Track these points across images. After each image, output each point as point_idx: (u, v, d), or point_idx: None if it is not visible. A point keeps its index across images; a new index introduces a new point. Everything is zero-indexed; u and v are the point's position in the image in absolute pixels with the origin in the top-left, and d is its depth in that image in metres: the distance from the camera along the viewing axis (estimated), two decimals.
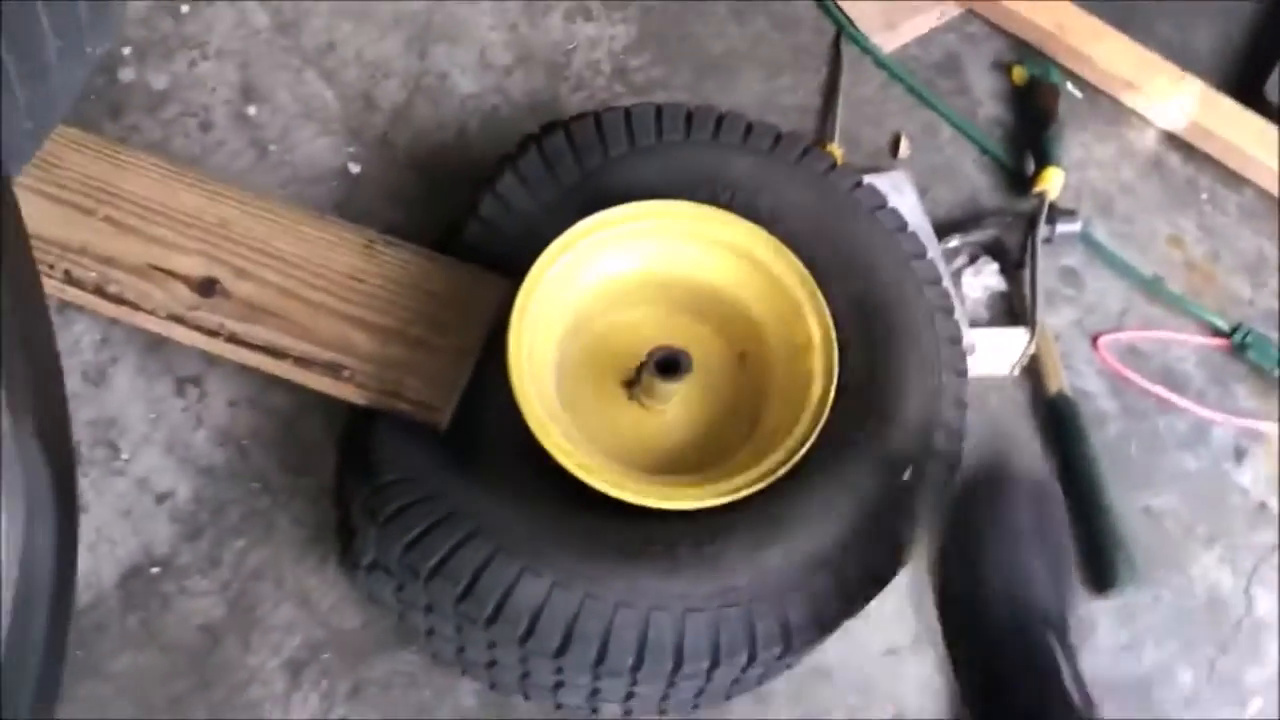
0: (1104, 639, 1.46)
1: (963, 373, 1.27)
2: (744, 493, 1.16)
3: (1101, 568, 1.46)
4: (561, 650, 1.12)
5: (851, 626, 1.40)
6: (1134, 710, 1.42)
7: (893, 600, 1.43)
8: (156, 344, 1.45)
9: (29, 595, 0.59)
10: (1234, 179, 1.75)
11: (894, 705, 1.39)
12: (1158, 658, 1.46)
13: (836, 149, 1.66)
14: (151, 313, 1.35)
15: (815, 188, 1.32)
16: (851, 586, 1.16)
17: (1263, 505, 1.56)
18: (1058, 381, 1.56)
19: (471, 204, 1.39)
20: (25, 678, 0.60)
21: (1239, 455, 1.58)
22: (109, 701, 1.29)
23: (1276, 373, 1.61)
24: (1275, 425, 1.60)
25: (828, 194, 1.32)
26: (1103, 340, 1.62)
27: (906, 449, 1.19)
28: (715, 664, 1.12)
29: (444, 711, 1.32)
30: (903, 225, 1.34)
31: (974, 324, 1.56)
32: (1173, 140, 1.76)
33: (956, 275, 1.60)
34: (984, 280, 1.61)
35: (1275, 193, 1.73)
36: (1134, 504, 1.53)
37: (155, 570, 1.35)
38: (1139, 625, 1.47)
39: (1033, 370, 1.58)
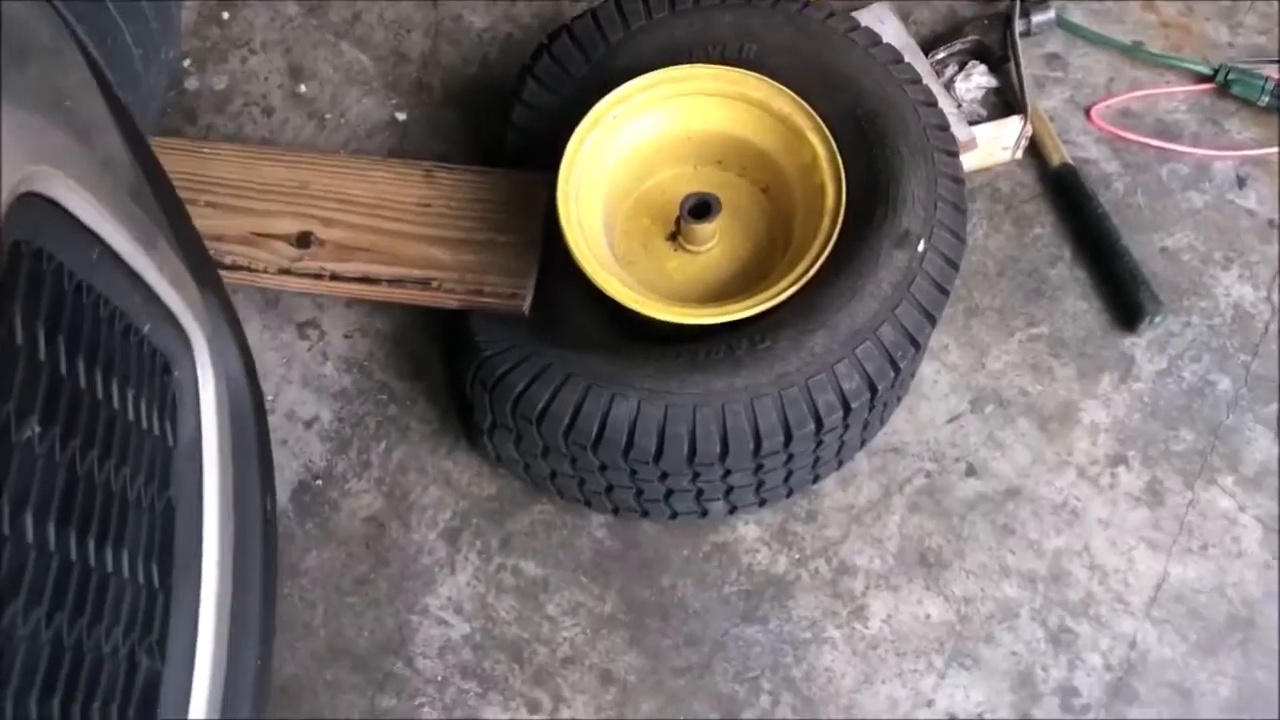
0: (1143, 368, 1.61)
1: (953, 153, 1.44)
2: (782, 296, 1.35)
3: (1127, 307, 1.62)
4: (659, 454, 1.33)
5: (914, 405, 1.60)
6: (1179, 422, 1.58)
7: (946, 376, 1.61)
8: (273, 300, 1.69)
9: (237, 406, 0.82)
10: None
11: (965, 462, 1.58)
12: (1195, 374, 1.61)
13: None
14: (263, 271, 1.59)
15: (792, 25, 1.49)
16: (893, 350, 1.34)
17: (1271, 221, 1.69)
18: (1059, 155, 1.71)
19: (504, 117, 1.60)
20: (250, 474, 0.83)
21: (1241, 182, 1.72)
22: (308, 591, 1.54)
23: (1263, 100, 1.72)
24: (1273, 150, 1.72)
25: (804, 29, 1.49)
26: (1095, 109, 1.76)
27: (915, 225, 1.37)
28: (789, 438, 1.32)
29: (582, 543, 1.55)
30: (877, 40, 1.50)
31: (973, 122, 1.71)
32: None
33: (950, 83, 1.75)
34: (975, 82, 1.76)
35: None
36: (1151, 247, 1.68)
37: (318, 482, 1.60)
38: (1173, 350, 1.62)
39: (1035, 151, 1.73)
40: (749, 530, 1.54)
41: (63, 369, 0.58)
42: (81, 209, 0.61)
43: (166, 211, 0.81)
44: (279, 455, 1.61)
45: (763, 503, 1.51)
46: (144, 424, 0.68)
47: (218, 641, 0.74)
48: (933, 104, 1.47)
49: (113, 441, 0.63)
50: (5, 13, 0.57)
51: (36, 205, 0.56)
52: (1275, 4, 1.81)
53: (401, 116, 1.81)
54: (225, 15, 1.87)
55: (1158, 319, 1.61)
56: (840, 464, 1.53)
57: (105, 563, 0.62)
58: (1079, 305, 1.65)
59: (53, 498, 0.56)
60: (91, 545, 0.60)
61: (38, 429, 0.55)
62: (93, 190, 0.61)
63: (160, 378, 0.73)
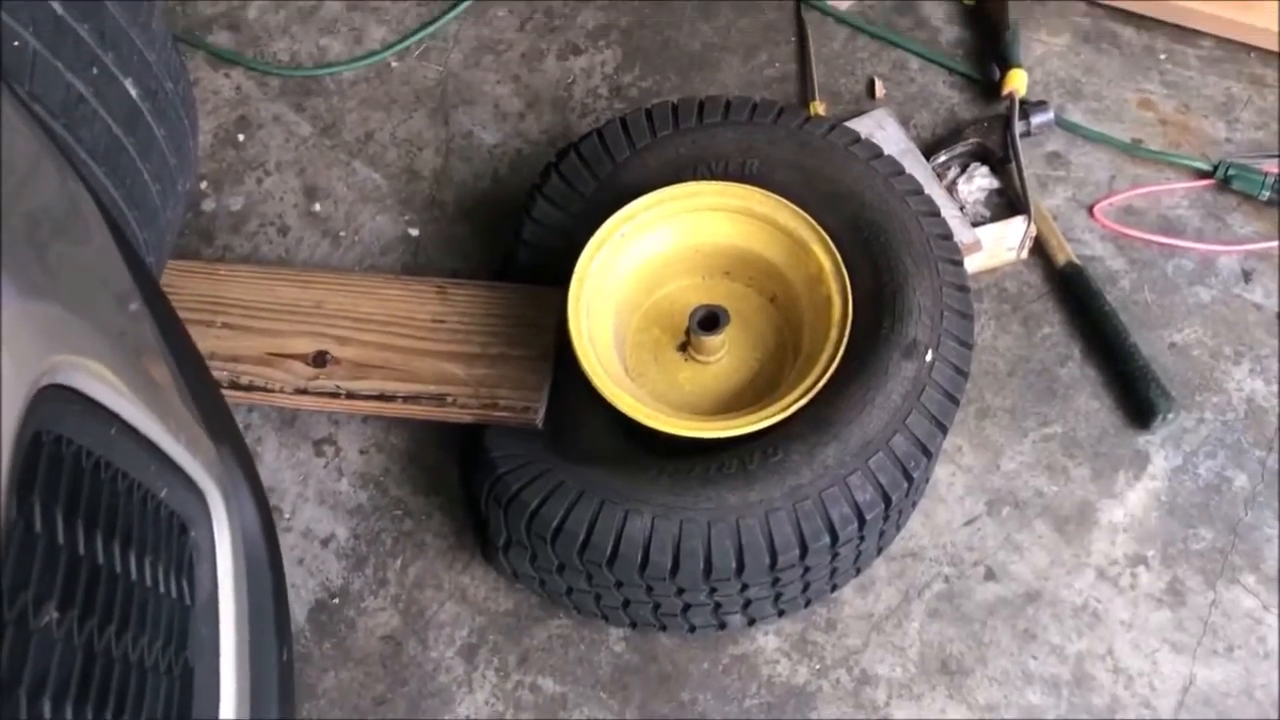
0: (1159, 466, 1.61)
1: (958, 262, 1.45)
2: (792, 409, 1.36)
3: (1140, 404, 1.62)
4: (674, 571, 1.33)
5: (930, 509, 1.60)
6: (1197, 521, 1.57)
7: (961, 478, 1.61)
8: (289, 418, 1.71)
9: (253, 561, 0.83)
10: (1187, 34, 1.90)
11: (984, 566, 1.57)
12: (1211, 470, 1.60)
13: (819, 105, 1.86)
14: (279, 391, 1.61)
15: (794, 140, 1.52)
16: (905, 460, 1.34)
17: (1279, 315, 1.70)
18: (1064, 253, 1.73)
19: (515, 233, 1.63)
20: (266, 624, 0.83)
21: (1247, 276, 1.73)
22: (326, 712, 1.54)
23: (1264, 194, 1.74)
24: (1276, 243, 1.74)
25: (805, 144, 1.52)
26: (1098, 207, 1.78)
27: (922, 335, 1.38)
28: (804, 551, 1.32)
29: (600, 658, 1.54)
30: (878, 153, 1.53)
31: (977, 223, 1.73)
32: (1121, 15, 1.92)
33: (952, 186, 1.78)
34: (977, 184, 1.78)
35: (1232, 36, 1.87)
36: (1160, 343, 1.68)
37: (335, 601, 1.60)
38: (1188, 447, 1.62)
39: (1040, 250, 1.75)
40: (768, 641, 1.53)
41: (81, 549, 0.60)
42: (100, 392, 0.62)
43: (183, 368, 0.83)
44: (296, 574, 1.62)
45: (781, 613, 1.50)
46: (161, 588, 0.69)
47: None
48: (935, 214, 1.49)
49: (130, 612, 0.64)
50: (34, 199, 0.59)
51: (55, 394, 0.58)
52: (1271, 100, 1.84)
53: (414, 233, 1.84)
54: (241, 137, 1.92)
55: (1170, 416, 1.61)
56: (858, 571, 1.53)
57: None
58: (1091, 404, 1.65)
59: (71, 678, 0.57)
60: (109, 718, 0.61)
61: (56, 614, 0.56)
62: (111, 370, 0.63)
63: (177, 539, 0.74)
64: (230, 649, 0.77)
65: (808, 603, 1.51)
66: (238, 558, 0.80)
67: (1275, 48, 1.86)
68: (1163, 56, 1.89)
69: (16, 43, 1.10)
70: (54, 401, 0.57)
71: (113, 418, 0.65)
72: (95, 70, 1.21)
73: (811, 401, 1.36)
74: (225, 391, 1.61)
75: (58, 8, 1.15)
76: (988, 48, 1.89)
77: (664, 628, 1.51)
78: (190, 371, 0.83)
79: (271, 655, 0.84)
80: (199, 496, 0.78)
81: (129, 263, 0.80)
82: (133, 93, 1.27)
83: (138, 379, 0.68)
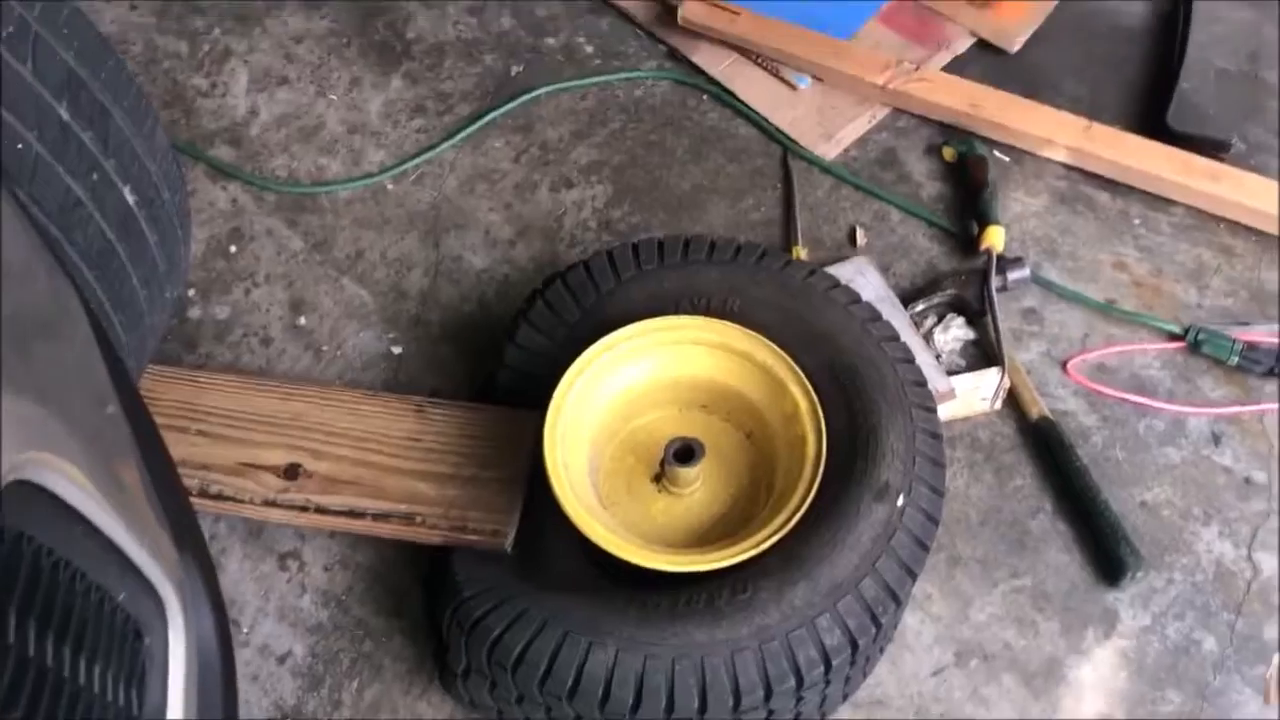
0: (1127, 625, 1.60)
1: (931, 409, 1.47)
2: (763, 546, 1.35)
3: (1109, 561, 1.62)
4: (635, 707, 1.30)
5: (898, 655, 1.58)
6: (1165, 683, 1.56)
7: (930, 627, 1.60)
8: (256, 530, 1.69)
9: (206, 673, 0.81)
10: (1160, 202, 1.96)
11: (950, 718, 1.54)
12: (1179, 632, 1.60)
13: (801, 249, 1.90)
14: (248, 503, 1.59)
15: (774, 282, 1.56)
16: (874, 605, 1.33)
17: (1248, 479, 1.72)
18: (1036, 407, 1.75)
19: (498, 356, 1.64)
20: None
21: (1217, 439, 1.75)
22: None
23: (1233, 359, 1.78)
24: (1245, 408, 1.77)
25: (786, 285, 1.55)
26: (1071, 363, 1.81)
27: (894, 479, 1.38)
28: (769, 693, 1.30)
29: None
30: (856, 299, 1.56)
31: (952, 372, 1.76)
32: (1097, 180, 1.99)
33: (929, 335, 1.81)
34: (954, 334, 1.82)
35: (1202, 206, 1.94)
36: (1131, 501, 1.69)
37: None
38: (1156, 607, 1.62)
39: (1013, 402, 1.77)
40: None
41: (30, 649, 0.59)
42: (68, 492, 0.62)
43: (154, 473, 0.83)
44: (249, 690, 1.58)
45: None
46: (109, 695, 0.68)
47: None
48: (910, 360, 1.51)
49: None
50: (20, 298, 0.60)
51: (23, 490, 0.58)
52: (1240, 270, 1.89)
53: (397, 350, 1.85)
54: (233, 249, 1.95)
55: (1140, 574, 1.61)
56: (823, 717, 1.50)
57: None
58: (1061, 558, 1.65)
59: None
60: None
61: None
62: (81, 471, 0.63)
63: (130, 645, 0.72)
64: None
65: None
66: (190, 669, 0.79)
67: (1243, 219, 1.92)
68: (1137, 222, 1.95)
69: (20, 145, 1.13)
70: (20, 498, 0.57)
71: (78, 518, 0.65)
72: (95, 176, 1.24)
73: (783, 539, 1.36)
74: (194, 499, 1.60)
75: (64, 114, 1.19)
76: (967, 204, 1.95)
77: None
78: (161, 476, 0.83)
79: None
80: (157, 602, 0.77)
81: (109, 365, 0.81)
82: (130, 200, 1.30)
83: (107, 481, 0.68)
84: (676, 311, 1.54)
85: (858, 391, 1.45)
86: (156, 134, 1.39)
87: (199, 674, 0.80)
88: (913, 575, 1.37)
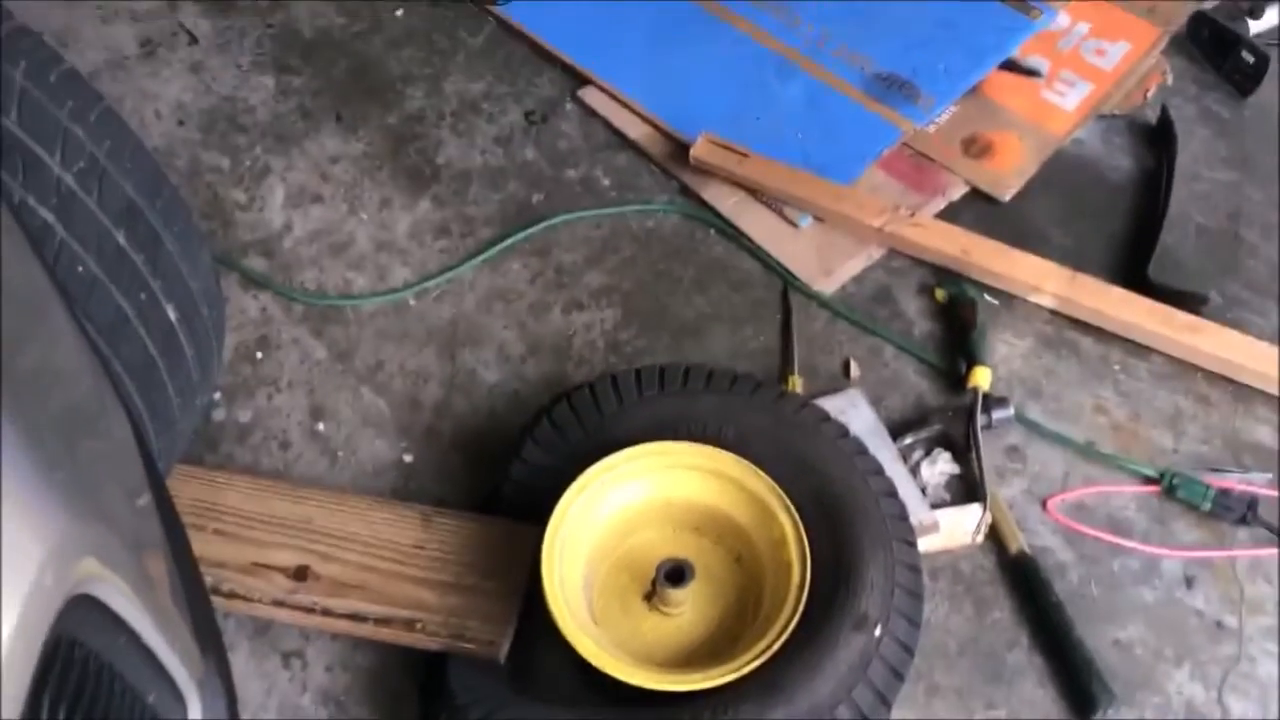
0: None
1: (911, 543, 1.55)
2: (745, 669, 1.42)
3: (1082, 696, 1.67)
4: None
5: None
6: None
7: None
8: (263, 628, 1.76)
9: None
10: (1140, 350, 2.06)
11: None
12: None
13: (797, 379, 2.00)
14: (258, 601, 1.67)
15: (768, 412, 1.65)
16: None
17: (1219, 623, 1.78)
18: (1016, 542, 1.82)
19: (504, 470, 1.73)
20: None
21: (1189, 582, 1.82)
22: None
23: (1205, 505, 1.86)
24: (1217, 553, 1.84)
25: (779, 416, 1.65)
26: (1051, 502, 1.89)
27: (873, 609, 1.46)
28: None
29: None
30: (845, 432, 1.66)
31: (936, 506, 1.84)
32: (1081, 326, 2.09)
33: (916, 467, 1.89)
34: (939, 468, 1.90)
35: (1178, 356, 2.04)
36: (1103, 638, 1.75)
37: None
38: None
39: (995, 537, 1.85)
40: None
41: None
42: (117, 602, 0.71)
43: (184, 577, 0.91)
44: None
45: None
46: None
47: None
48: (894, 494, 1.60)
49: None
50: (73, 401, 0.69)
51: (81, 603, 0.66)
52: (1215, 419, 1.98)
53: (409, 459, 1.94)
54: (259, 355, 2.06)
55: (1111, 711, 1.66)
56: None
57: None
58: (1036, 692, 1.71)
59: None
60: None
61: None
62: (130, 584, 0.71)
63: None
64: None
65: None
66: None
67: (1220, 370, 2.01)
68: (1117, 367, 2.05)
69: (80, 268, 1.24)
70: (81, 610, 0.65)
71: (122, 625, 0.73)
72: (143, 295, 1.35)
73: (765, 663, 1.43)
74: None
75: (121, 240, 1.30)
76: (956, 343, 2.05)
77: None
78: (186, 574, 0.91)
79: None
80: (180, 702, 0.85)
81: (145, 464, 0.90)
82: (172, 317, 1.41)
83: (143, 582, 0.77)
84: (675, 436, 1.64)
85: (842, 522, 1.53)
86: (201, 255, 1.51)
87: None
88: (887, 704, 1.43)
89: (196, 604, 0.97)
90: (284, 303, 2.13)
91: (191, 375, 1.49)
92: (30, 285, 0.77)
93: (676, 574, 1.55)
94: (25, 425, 0.63)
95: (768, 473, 1.57)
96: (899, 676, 1.44)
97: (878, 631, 1.45)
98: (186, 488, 1.79)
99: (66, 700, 0.65)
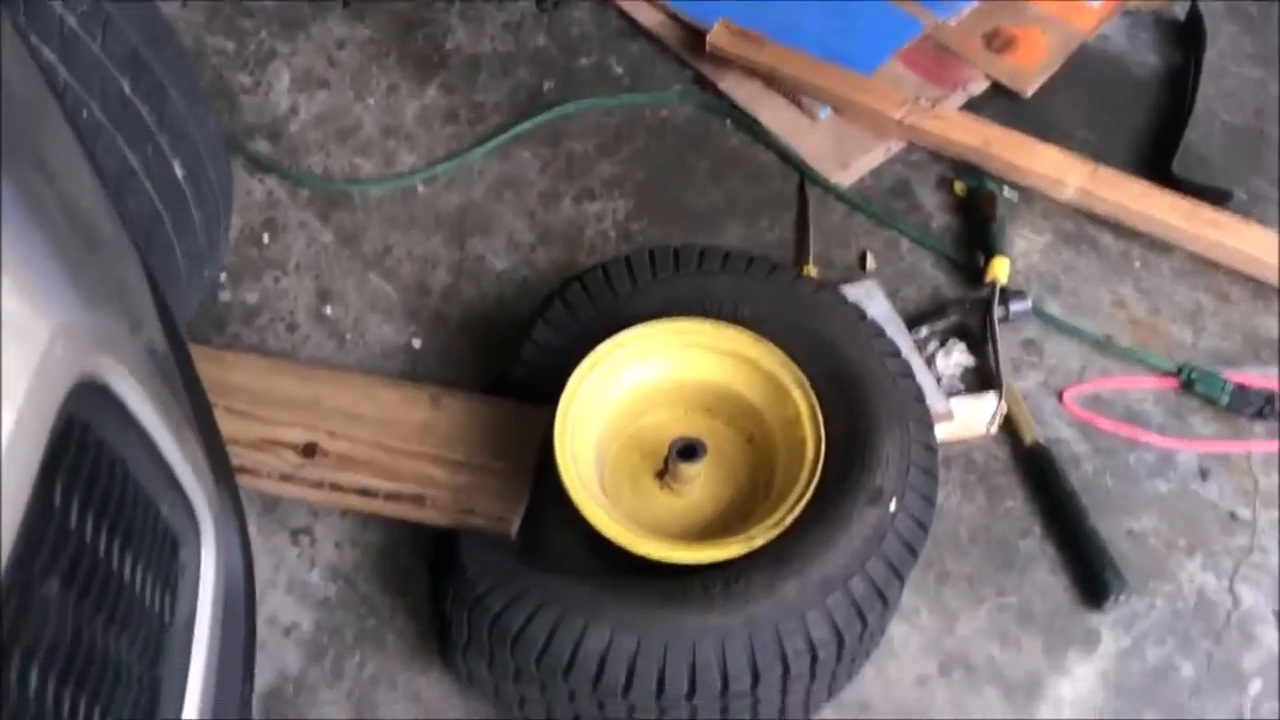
0: (1109, 647, 1.65)
1: (928, 423, 1.53)
2: (759, 542, 1.41)
3: (1094, 584, 1.67)
4: (627, 687, 1.35)
5: (883, 663, 1.63)
6: (1142, 704, 1.60)
7: (917, 638, 1.65)
8: (271, 505, 1.75)
9: (231, 598, 0.87)
10: (1161, 246, 2.03)
11: None
12: (1159, 656, 1.64)
13: (813, 269, 1.97)
14: (266, 476, 1.66)
15: (786, 294, 1.62)
16: (862, 603, 1.39)
17: (1233, 514, 1.77)
18: (1031, 433, 1.81)
19: (514, 352, 1.71)
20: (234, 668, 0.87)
21: (1204, 475, 1.80)
22: None
23: (1223, 399, 1.84)
24: (1233, 447, 1.82)
25: (796, 297, 1.62)
26: (1067, 394, 1.87)
27: (888, 485, 1.44)
28: (756, 680, 1.35)
29: None
30: (862, 315, 1.63)
31: (952, 395, 1.82)
32: (1101, 222, 2.05)
33: (931, 358, 1.87)
34: (955, 359, 1.88)
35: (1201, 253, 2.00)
36: (1118, 528, 1.74)
37: (289, 689, 1.61)
38: (1137, 631, 1.66)
39: (1009, 428, 1.83)
40: None
41: (88, 537, 0.65)
42: (128, 394, 0.69)
43: (194, 406, 0.89)
44: (256, 658, 1.63)
45: None
46: (146, 599, 0.74)
47: None
48: (910, 375, 1.58)
49: (118, 610, 0.69)
50: (78, 203, 0.67)
51: (91, 388, 0.64)
52: (1235, 315, 1.95)
53: (417, 343, 1.92)
54: (266, 238, 2.02)
55: (1123, 598, 1.66)
56: (807, 713, 1.55)
57: None
58: (1048, 579, 1.70)
59: (58, 654, 0.61)
60: (83, 707, 0.64)
61: (57, 588, 0.61)
62: (139, 378, 0.69)
63: (167, 556, 0.79)
64: (199, 672, 0.80)
65: None
66: (219, 589, 0.85)
67: (1242, 267, 1.98)
68: (1138, 263, 2.02)
69: (85, 113, 1.20)
70: (88, 393, 0.63)
71: (134, 424, 0.71)
72: (150, 149, 1.32)
73: (777, 537, 1.41)
74: None
75: (125, 87, 1.27)
76: (975, 236, 2.02)
77: None
78: (201, 413, 0.90)
79: (235, 687, 0.87)
80: (194, 522, 0.83)
81: (156, 302, 0.88)
82: (179, 174, 1.38)
83: (159, 396, 0.75)
84: (689, 317, 1.61)
85: (858, 400, 1.51)
86: (207, 118, 1.47)
87: (225, 596, 0.86)
88: (900, 578, 1.42)
89: (210, 443, 0.96)
90: (290, 187, 2.09)
91: (199, 239, 1.46)
92: (28, 83, 0.74)
93: (689, 450, 1.53)
94: (30, 203, 0.61)
95: (783, 351, 1.55)
96: (913, 551, 1.43)
97: (892, 506, 1.43)
98: (195, 366, 1.77)
99: (79, 490, 0.64)
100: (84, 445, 0.64)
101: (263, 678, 1.62)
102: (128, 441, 0.71)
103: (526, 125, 2.16)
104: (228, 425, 1.69)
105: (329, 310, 1.95)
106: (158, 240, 1.34)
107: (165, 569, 0.77)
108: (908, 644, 1.64)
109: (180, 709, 0.78)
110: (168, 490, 0.78)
